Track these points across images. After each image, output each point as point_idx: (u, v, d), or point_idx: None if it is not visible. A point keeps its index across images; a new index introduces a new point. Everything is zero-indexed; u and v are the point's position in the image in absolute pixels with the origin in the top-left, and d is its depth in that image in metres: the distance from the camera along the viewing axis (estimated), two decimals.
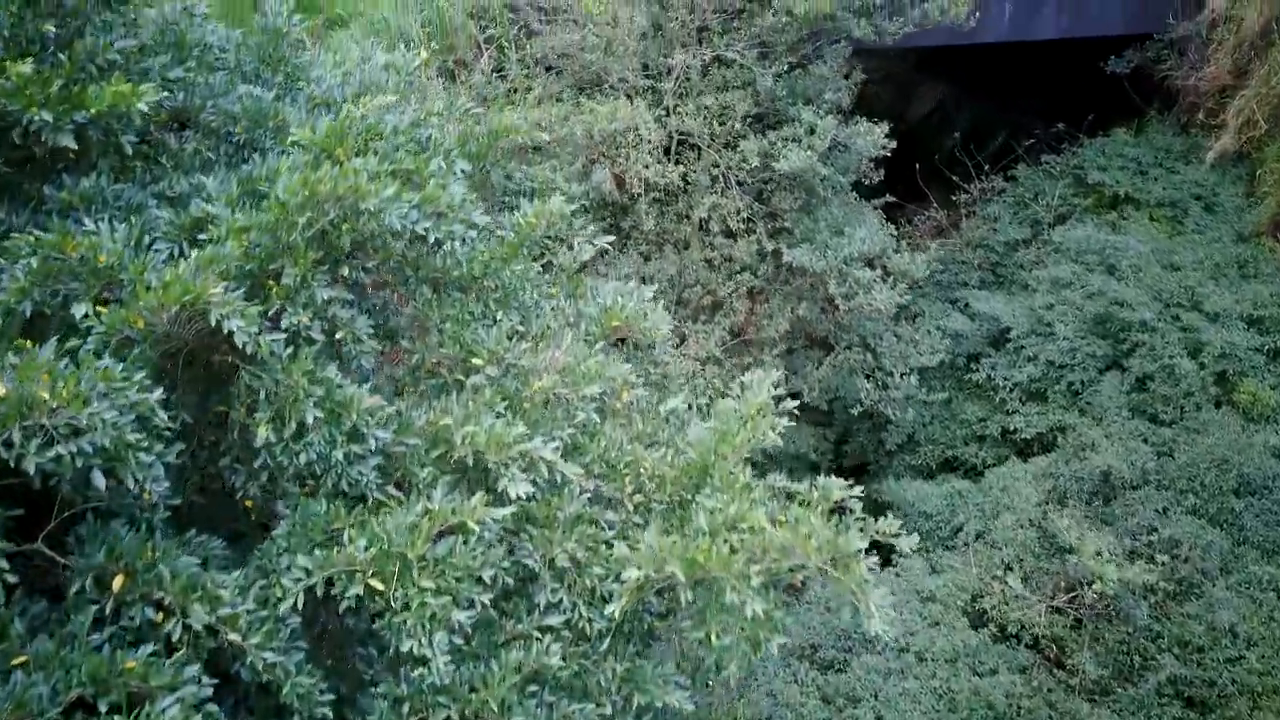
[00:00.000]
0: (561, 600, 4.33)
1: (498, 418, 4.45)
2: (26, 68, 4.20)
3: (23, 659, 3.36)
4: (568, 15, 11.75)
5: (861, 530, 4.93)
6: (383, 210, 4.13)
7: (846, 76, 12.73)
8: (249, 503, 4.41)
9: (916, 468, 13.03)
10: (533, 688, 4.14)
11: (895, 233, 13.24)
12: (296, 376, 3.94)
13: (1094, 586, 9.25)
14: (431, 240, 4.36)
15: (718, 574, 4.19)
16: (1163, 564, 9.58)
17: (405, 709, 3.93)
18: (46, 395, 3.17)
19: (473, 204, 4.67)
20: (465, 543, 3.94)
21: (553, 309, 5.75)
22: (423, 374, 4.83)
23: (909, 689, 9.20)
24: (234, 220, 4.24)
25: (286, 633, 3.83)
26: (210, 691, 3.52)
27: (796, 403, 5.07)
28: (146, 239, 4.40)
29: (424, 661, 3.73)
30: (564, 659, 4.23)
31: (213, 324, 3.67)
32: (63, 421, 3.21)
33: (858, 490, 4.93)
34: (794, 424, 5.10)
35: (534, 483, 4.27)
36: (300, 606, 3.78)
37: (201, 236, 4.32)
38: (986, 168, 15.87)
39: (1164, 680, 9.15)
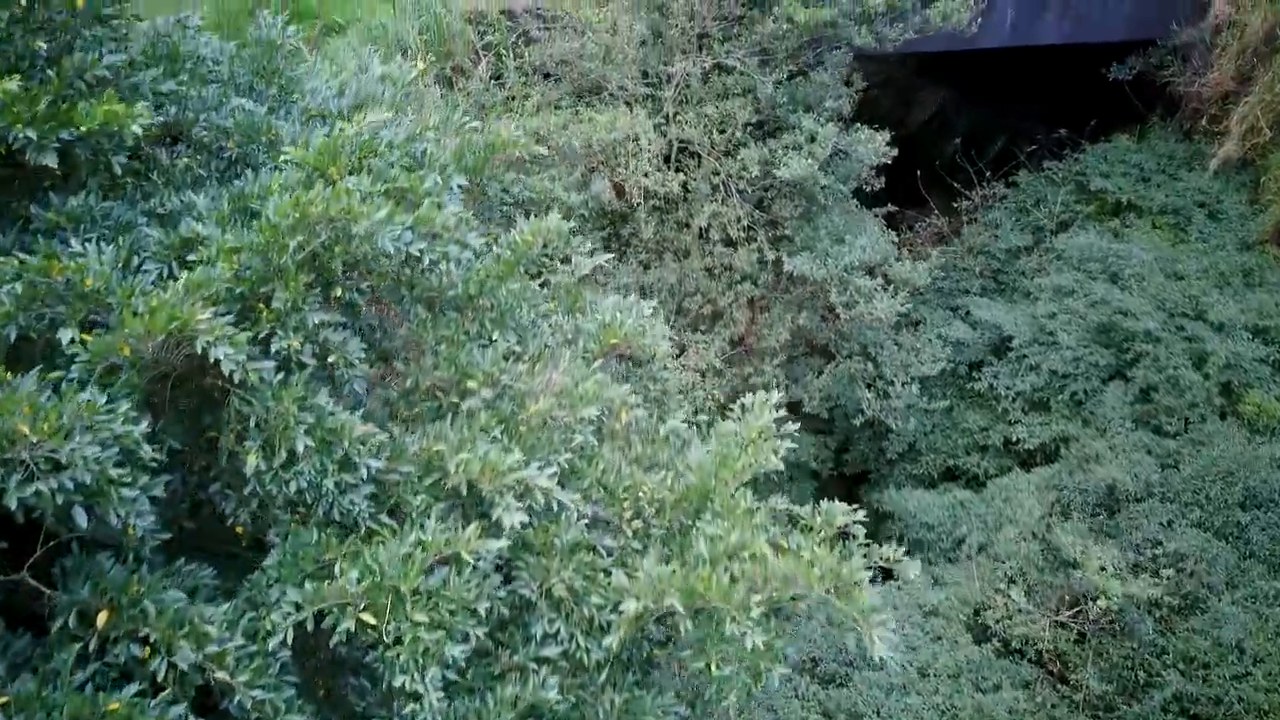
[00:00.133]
0: (559, 631, 4.24)
1: (493, 443, 4.36)
2: (13, 84, 4.11)
3: (3, 700, 3.26)
4: (566, 23, 11.65)
5: (865, 555, 4.87)
6: (375, 233, 4.04)
7: (848, 84, 12.63)
8: (239, 529, 4.32)
9: (918, 477, 12.94)
10: None
11: (896, 239, 13.15)
12: (287, 403, 3.85)
13: (1099, 603, 9.14)
14: (426, 262, 4.26)
15: (718, 605, 4.10)
16: (1168, 578, 9.49)
17: None
18: (27, 429, 3.08)
19: (468, 224, 4.57)
20: (459, 574, 3.85)
21: (550, 326, 5.66)
22: (417, 397, 4.73)
23: (911, 705, 9.11)
24: (224, 241, 4.15)
25: (277, 667, 3.74)
26: None
27: (797, 426, 4.97)
28: (135, 259, 4.32)
29: (417, 697, 3.64)
30: (561, 692, 4.14)
31: (199, 351, 3.58)
32: (43, 455, 3.11)
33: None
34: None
35: (530, 510, 4.18)
36: (290, 641, 3.68)
37: (191, 257, 4.23)
38: (988, 174, 15.78)
39: (1169, 697, 9.05)
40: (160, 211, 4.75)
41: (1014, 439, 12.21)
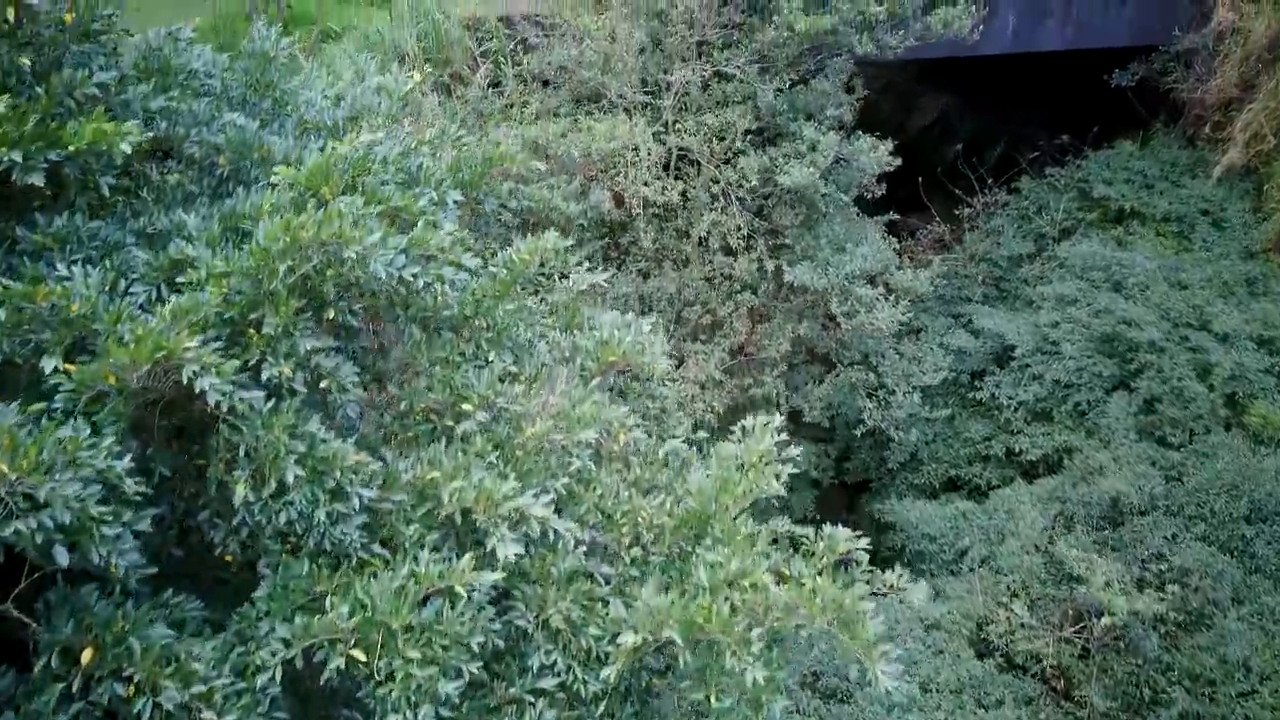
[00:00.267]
0: (556, 662, 4.15)
1: (488, 468, 4.27)
2: (0, 104, 4.02)
3: None
4: (565, 30, 11.56)
5: (869, 582, 4.77)
6: (368, 256, 3.95)
7: (849, 90, 12.54)
8: (229, 558, 4.22)
9: (919, 486, 12.84)
10: None
11: (897, 246, 13.04)
12: (277, 432, 3.76)
13: (1103, 620, 9.04)
14: (420, 285, 4.17)
15: (718, 637, 4.01)
16: (1173, 593, 9.38)
17: None
18: (5, 466, 2.99)
19: (464, 244, 4.48)
20: (453, 607, 3.76)
21: (548, 343, 5.57)
22: (411, 420, 4.64)
23: None
24: (214, 264, 4.06)
25: (267, 703, 3.65)
26: None
27: (799, 450, 4.86)
28: (123, 282, 4.23)
29: None
30: None
31: (185, 382, 3.48)
32: (21, 493, 3.02)
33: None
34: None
35: (526, 538, 4.09)
36: (279, 678, 3.59)
37: (180, 280, 4.13)
38: (989, 180, 15.69)
39: (1175, 715, 8.95)
40: (150, 231, 4.67)
41: (1016, 449, 12.11)
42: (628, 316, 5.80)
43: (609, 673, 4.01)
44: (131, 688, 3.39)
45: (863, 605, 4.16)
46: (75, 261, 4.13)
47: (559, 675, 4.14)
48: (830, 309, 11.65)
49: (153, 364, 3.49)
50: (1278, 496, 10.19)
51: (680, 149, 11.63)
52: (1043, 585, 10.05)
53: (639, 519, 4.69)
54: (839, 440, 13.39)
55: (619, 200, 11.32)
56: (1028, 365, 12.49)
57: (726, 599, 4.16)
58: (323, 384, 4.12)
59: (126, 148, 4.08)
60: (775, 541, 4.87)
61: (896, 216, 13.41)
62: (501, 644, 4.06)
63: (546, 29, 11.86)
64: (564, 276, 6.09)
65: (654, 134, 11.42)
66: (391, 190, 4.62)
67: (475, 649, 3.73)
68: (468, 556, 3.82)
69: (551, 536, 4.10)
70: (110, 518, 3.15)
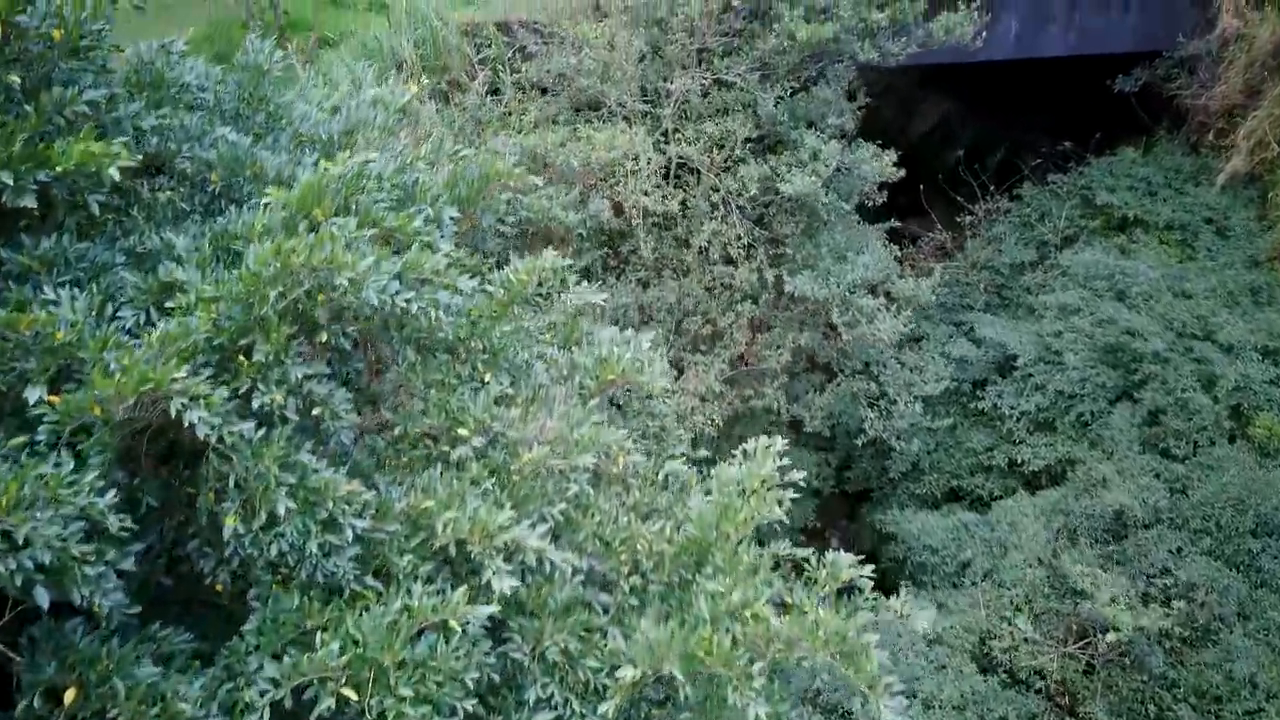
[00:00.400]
0: (553, 695, 4.06)
1: (484, 496, 4.18)
2: None
3: None
4: (563, 38, 11.46)
5: (874, 609, 4.68)
6: (360, 281, 3.85)
7: (851, 98, 12.44)
8: (219, 587, 4.13)
9: (921, 497, 12.72)
10: None
11: (898, 253, 12.94)
12: (267, 462, 3.67)
13: (1108, 636, 8.93)
14: (414, 310, 4.07)
15: (719, 670, 3.92)
16: (1178, 609, 9.27)
17: None
18: None
19: (459, 266, 4.39)
20: (447, 642, 3.67)
21: (545, 362, 5.47)
22: (406, 445, 4.54)
23: None
24: (203, 289, 3.97)
25: None
26: None
27: (802, 475, 4.76)
28: (110, 306, 4.13)
29: None
30: None
31: (173, 414, 3.39)
32: (1, 532, 2.93)
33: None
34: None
35: (522, 568, 4.00)
36: (268, 718, 3.50)
37: (169, 304, 4.04)
38: (991, 187, 15.59)
39: None
40: (140, 250, 4.57)
41: (1019, 460, 11.99)
42: (627, 333, 5.70)
43: (607, 707, 3.92)
44: None
45: (866, 637, 4.08)
46: (63, 284, 4.04)
47: (556, 709, 4.05)
48: (831, 319, 11.54)
49: (139, 396, 3.39)
50: None
51: (680, 157, 11.53)
52: (1046, 599, 9.94)
53: (638, 545, 4.60)
54: (840, 449, 13.28)
55: (618, 209, 11.22)
56: (1030, 375, 12.37)
57: (728, 630, 4.08)
58: (315, 411, 4.03)
59: (114, 173, 3.98)
60: (777, 566, 4.78)
61: (898, 224, 13.31)
62: (497, 677, 3.97)
63: (545, 36, 11.76)
64: (563, 283, 5.96)
65: (654, 142, 11.32)
66: (385, 211, 4.52)
67: (470, 685, 3.64)
68: (462, 590, 3.73)
69: (548, 567, 4.01)
70: (93, 557, 3.06)
